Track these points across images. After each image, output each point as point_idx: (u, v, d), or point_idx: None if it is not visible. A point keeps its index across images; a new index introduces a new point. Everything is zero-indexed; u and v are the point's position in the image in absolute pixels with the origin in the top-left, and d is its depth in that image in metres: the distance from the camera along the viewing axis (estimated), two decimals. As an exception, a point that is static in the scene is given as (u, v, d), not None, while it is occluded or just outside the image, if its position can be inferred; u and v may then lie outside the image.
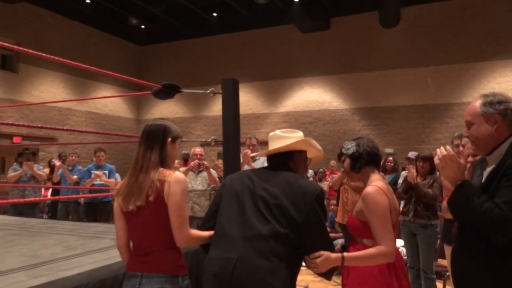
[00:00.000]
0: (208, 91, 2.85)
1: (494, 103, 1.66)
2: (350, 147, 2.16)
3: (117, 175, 6.22)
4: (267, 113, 14.00)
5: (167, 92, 2.77)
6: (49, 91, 12.46)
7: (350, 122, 12.85)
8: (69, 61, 2.67)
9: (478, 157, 1.93)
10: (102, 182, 5.62)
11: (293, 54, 13.58)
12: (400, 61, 12.23)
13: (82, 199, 5.97)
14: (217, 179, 4.68)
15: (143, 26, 14.86)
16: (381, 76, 12.47)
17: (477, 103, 1.70)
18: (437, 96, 11.79)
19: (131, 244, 1.89)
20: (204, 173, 4.65)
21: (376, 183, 2.04)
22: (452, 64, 11.68)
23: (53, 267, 2.19)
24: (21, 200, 4.15)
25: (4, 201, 3.75)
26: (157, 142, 1.84)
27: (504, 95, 1.69)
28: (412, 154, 6.42)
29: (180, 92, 2.85)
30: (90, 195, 5.53)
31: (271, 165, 1.97)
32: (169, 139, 1.87)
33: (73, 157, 6.37)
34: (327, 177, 8.16)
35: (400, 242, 4.52)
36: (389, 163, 5.61)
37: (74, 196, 5.82)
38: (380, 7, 12.17)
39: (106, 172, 5.77)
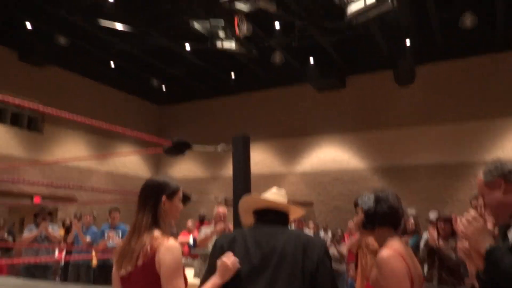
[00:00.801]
0: (218, 149, 2.83)
1: (493, 170, 1.70)
2: (367, 201, 1.93)
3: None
4: (285, 173, 13.86)
5: (178, 149, 2.76)
6: (70, 151, 12.75)
7: (369, 182, 12.57)
8: (84, 120, 2.69)
9: None
10: (115, 245, 5.52)
11: (309, 113, 13.71)
12: (418, 118, 12.17)
13: (93, 262, 5.84)
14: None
15: (163, 87, 15.40)
16: (399, 134, 12.37)
17: (480, 175, 1.75)
18: (459, 154, 11.53)
19: None
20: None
21: (393, 245, 1.81)
22: (472, 121, 11.54)
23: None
24: (22, 260, 4.07)
25: (9, 260, 3.68)
26: (149, 201, 1.75)
27: (501, 160, 1.73)
28: (432, 214, 6.18)
29: (190, 149, 2.83)
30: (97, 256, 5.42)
31: (272, 221, 1.86)
32: (164, 197, 1.77)
33: (88, 218, 6.33)
34: (345, 239, 7.83)
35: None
36: (410, 225, 5.38)
37: (73, 257, 5.70)
38: (395, 66, 12.36)
39: (120, 232, 5.69)
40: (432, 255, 3.80)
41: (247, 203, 1.97)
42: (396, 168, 12.26)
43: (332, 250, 6.90)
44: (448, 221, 3.81)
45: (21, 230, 8.14)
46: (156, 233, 1.70)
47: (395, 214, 1.91)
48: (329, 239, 8.25)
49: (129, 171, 14.75)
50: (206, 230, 4.35)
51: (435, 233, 3.85)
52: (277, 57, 12.44)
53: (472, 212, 1.63)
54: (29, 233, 5.65)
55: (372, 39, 11.29)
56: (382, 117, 12.63)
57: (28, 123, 12.33)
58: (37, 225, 5.72)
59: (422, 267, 3.98)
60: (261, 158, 13.59)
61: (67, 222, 6.39)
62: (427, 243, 3.91)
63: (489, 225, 1.82)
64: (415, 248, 4.68)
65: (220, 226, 4.18)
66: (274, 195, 1.94)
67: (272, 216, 1.88)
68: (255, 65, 13.27)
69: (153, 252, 1.64)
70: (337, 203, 12.34)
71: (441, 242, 3.83)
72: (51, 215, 7.33)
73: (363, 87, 13.12)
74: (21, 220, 10.99)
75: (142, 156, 15.38)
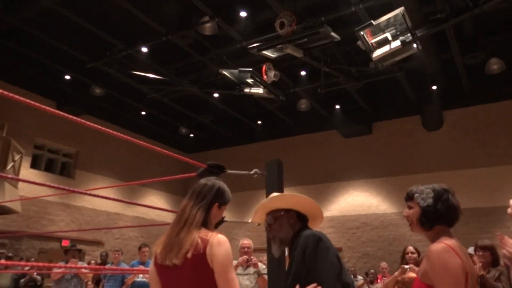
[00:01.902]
0: (252, 172, 2.86)
1: None
2: (425, 197, 1.79)
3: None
4: (313, 218, 13.63)
5: (212, 172, 2.80)
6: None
7: (400, 227, 12.22)
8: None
9: None
10: (144, 280, 5.47)
11: (336, 158, 13.67)
12: (448, 163, 11.95)
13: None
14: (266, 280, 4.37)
15: (192, 135, 15.74)
16: (428, 178, 11.95)
17: None
18: (492, 198, 11.18)
19: None
20: (252, 269, 4.40)
21: (446, 240, 1.70)
22: (503, 165, 11.26)
23: None
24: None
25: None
26: (206, 202, 1.79)
27: None
28: (470, 248, 5.90)
29: (224, 172, 2.87)
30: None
31: None
32: (217, 204, 1.82)
33: (117, 255, 6.33)
34: (378, 280, 7.53)
35: None
36: (407, 254, 5.10)
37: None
38: (422, 112, 12.35)
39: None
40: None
41: (308, 204, 2.10)
42: (427, 214, 11.90)
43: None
44: (488, 248, 3.64)
45: (48, 275, 8.20)
46: (205, 230, 1.72)
47: (455, 212, 1.82)
48: (363, 278, 8.00)
49: (156, 217, 14.80)
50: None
51: (477, 261, 3.66)
52: (303, 104, 12.64)
53: None
54: (58, 269, 5.67)
55: (398, 85, 11.41)
56: (411, 162, 12.45)
57: (61, 169, 12.72)
58: (67, 262, 5.75)
59: None
60: (288, 205, 13.42)
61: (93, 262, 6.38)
62: None
63: None
64: None
65: (244, 258, 4.22)
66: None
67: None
68: (282, 112, 13.50)
69: (205, 246, 1.65)
70: (367, 249, 11.97)
71: (481, 271, 3.63)
72: (80, 253, 7.35)
73: (390, 132, 13.09)
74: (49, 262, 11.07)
75: (170, 202, 15.45)
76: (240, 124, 14.62)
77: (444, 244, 1.67)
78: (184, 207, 1.79)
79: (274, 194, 2.12)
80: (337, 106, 12.77)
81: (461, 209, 1.82)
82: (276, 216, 2.06)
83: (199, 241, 1.66)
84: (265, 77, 9.23)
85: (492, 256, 3.65)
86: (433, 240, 1.77)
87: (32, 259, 9.36)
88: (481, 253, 3.70)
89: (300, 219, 2.06)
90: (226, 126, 14.88)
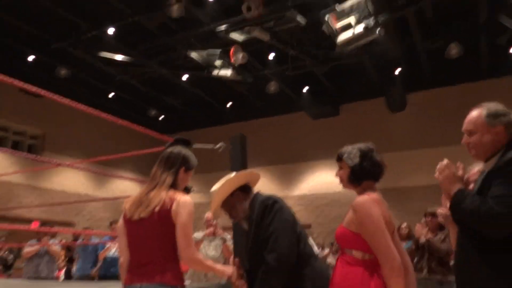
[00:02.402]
0: (217, 146, 3.07)
1: (499, 115, 1.78)
2: (353, 157, 2.01)
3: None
4: (283, 196, 13.90)
5: (180, 145, 2.98)
6: (69, 177, 12.90)
7: (364, 205, 12.77)
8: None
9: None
10: (116, 255, 5.62)
11: (305, 139, 14.02)
12: (410, 143, 12.51)
13: (96, 275, 5.92)
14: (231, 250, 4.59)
15: (161, 117, 15.73)
16: (393, 157, 12.58)
17: (482, 113, 1.82)
18: (451, 176, 11.83)
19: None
20: (218, 241, 4.65)
21: (370, 194, 1.94)
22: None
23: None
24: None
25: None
26: (173, 167, 2.03)
27: (504, 107, 1.81)
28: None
29: (191, 146, 3.06)
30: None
31: None
32: (183, 168, 2.04)
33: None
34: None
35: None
36: (404, 230, 5.55)
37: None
38: (386, 94, 12.81)
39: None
40: (420, 248, 3.99)
41: (241, 178, 2.36)
42: (391, 190, 12.40)
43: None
44: (435, 215, 4.01)
45: (19, 253, 8.22)
46: (173, 191, 1.96)
47: (379, 168, 2.04)
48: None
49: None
50: (197, 234, 4.58)
51: (422, 228, 4.03)
52: (272, 86, 12.86)
53: (445, 161, 1.82)
54: (29, 247, 5.76)
55: (363, 68, 11.79)
56: (376, 142, 12.46)
57: (28, 152, 12.52)
58: (38, 240, 5.84)
59: (412, 260, 4.15)
60: (259, 184, 13.68)
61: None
62: (414, 238, 4.10)
63: (460, 172, 1.90)
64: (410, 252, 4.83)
65: (210, 229, 4.46)
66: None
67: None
68: (251, 94, 13.69)
69: (171, 204, 1.89)
70: (336, 225, 12.41)
71: (430, 235, 4.01)
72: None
73: (356, 114, 13.53)
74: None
75: (140, 184, 15.47)
76: (209, 106, 14.72)
77: (368, 197, 1.92)
78: (155, 172, 2.04)
79: (213, 189, 2.32)
80: (305, 89, 13.06)
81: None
82: (228, 207, 2.31)
83: (167, 199, 1.89)
84: (233, 59, 9.38)
85: (439, 221, 4.01)
86: (360, 194, 2.01)
87: (3, 239, 9.31)
88: (429, 218, 4.07)
89: (246, 191, 2.32)
90: (196, 108, 14.95)
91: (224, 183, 2.32)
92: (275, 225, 2.05)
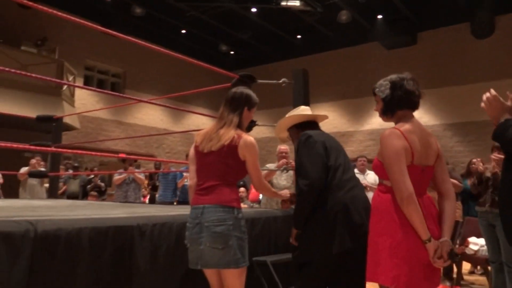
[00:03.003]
0: (280, 81, 3.13)
1: None
2: (383, 89, 2.01)
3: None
4: (352, 131, 13.93)
5: (243, 81, 3.11)
6: (149, 113, 13.79)
7: (441, 139, 12.24)
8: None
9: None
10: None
11: (378, 72, 13.34)
12: (496, 72, 11.48)
13: (175, 201, 6.52)
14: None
15: (232, 52, 15.86)
16: (475, 89, 11.78)
17: None
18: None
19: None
20: (290, 172, 4.81)
21: (400, 125, 1.95)
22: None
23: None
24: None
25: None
26: (238, 107, 2.24)
27: None
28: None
29: (255, 81, 3.17)
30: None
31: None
32: (246, 107, 2.26)
33: (167, 164, 7.00)
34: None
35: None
36: (473, 165, 5.33)
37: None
38: (472, 18, 11.68)
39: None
40: (484, 182, 3.88)
41: (302, 116, 2.56)
42: (471, 124, 11.79)
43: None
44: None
45: (110, 184, 9.22)
46: (239, 130, 2.21)
47: (411, 97, 1.99)
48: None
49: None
50: (270, 165, 4.73)
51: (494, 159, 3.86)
52: (344, 16, 12.28)
53: (493, 92, 1.76)
54: (118, 175, 6.44)
55: (446, -10, 10.77)
56: (457, 72, 12.09)
57: (111, 89, 13.48)
58: (125, 169, 6.49)
59: (475, 194, 4.08)
60: (330, 118, 13.61)
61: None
62: (474, 173, 3.98)
63: (510, 103, 1.80)
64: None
65: (282, 161, 4.56)
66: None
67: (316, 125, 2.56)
68: (322, 25, 13.21)
69: (239, 141, 2.14)
70: (406, 161, 12.22)
71: (496, 169, 3.85)
72: (135, 162, 8.17)
73: (436, 42, 12.58)
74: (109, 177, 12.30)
75: (212, 118, 16.10)
76: (279, 40, 14.51)
77: (393, 129, 1.94)
78: (222, 112, 2.26)
79: (281, 121, 2.61)
80: (379, 16, 12.30)
81: (420, 93, 2.00)
82: (290, 134, 2.63)
83: (235, 137, 2.15)
84: (302, -12, 9.05)
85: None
86: (396, 124, 2.03)
87: (95, 168, 10.42)
88: (496, 152, 3.88)
89: (301, 127, 2.52)
90: (266, 42, 14.82)
91: (286, 118, 2.59)
92: (305, 157, 2.26)
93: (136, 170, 6.59)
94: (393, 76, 2.06)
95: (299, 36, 14.45)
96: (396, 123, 2.03)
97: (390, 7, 11.62)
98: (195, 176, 2.26)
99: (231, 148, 2.13)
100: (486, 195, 3.90)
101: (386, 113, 2.06)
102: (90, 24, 2.67)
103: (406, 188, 1.82)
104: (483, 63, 11.73)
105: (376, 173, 2.07)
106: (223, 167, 2.15)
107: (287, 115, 2.60)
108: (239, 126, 2.22)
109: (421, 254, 1.84)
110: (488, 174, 3.88)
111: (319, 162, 2.23)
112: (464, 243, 4.78)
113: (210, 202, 2.10)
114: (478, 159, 5.25)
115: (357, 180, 2.37)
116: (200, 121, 15.34)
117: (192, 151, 2.29)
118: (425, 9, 12.08)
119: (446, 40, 12.42)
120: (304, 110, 2.61)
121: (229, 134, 2.15)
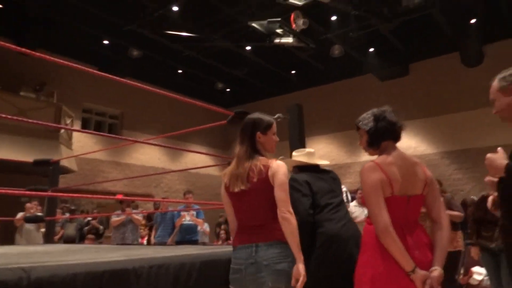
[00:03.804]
0: (275, 116, 3.15)
1: (507, 76, 1.85)
2: (367, 122, 2.08)
3: (206, 224, 6.67)
4: (350, 163, 13.91)
5: (239, 117, 3.13)
6: (146, 153, 13.81)
7: (439, 167, 12.25)
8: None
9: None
10: (191, 222, 6.05)
11: (372, 103, 13.40)
12: (488, 99, 11.61)
13: (172, 242, 6.42)
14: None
15: (228, 89, 16.09)
16: (469, 116, 11.92)
17: (495, 82, 1.90)
18: (537, 132, 10.90)
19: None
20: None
21: (380, 158, 2.00)
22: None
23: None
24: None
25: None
26: (246, 136, 2.14)
27: None
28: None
29: (249, 117, 3.20)
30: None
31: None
32: (258, 132, 2.14)
33: (166, 203, 6.96)
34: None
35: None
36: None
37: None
38: (461, 48, 11.95)
39: (194, 212, 6.22)
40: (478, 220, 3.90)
41: (293, 162, 2.76)
42: (467, 151, 11.82)
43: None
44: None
45: (108, 223, 9.13)
46: (263, 158, 2.10)
47: (394, 127, 2.06)
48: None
49: (200, 170, 15.55)
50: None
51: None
52: (336, 50, 12.55)
53: (488, 155, 1.85)
54: (116, 217, 6.38)
55: (434, 22, 11.03)
56: (450, 101, 12.24)
57: (109, 131, 13.56)
58: (123, 210, 6.44)
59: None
60: (326, 151, 13.75)
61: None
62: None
63: (501, 155, 1.89)
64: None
65: None
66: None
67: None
68: (315, 60, 13.47)
69: (267, 171, 2.03)
70: (406, 191, 12.16)
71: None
72: (133, 203, 8.12)
73: (427, 72, 12.82)
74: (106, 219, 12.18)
75: (212, 157, 16.13)
76: (274, 75, 14.75)
77: (370, 163, 1.98)
78: (238, 147, 2.16)
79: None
80: (371, 49, 12.58)
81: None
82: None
83: (262, 168, 2.04)
84: (294, 25, 9.27)
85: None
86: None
87: (95, 211, 10.33)
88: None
89: (303, 169, 2.73)
90: (261, 78, 15.06)
91: (287, 160, 2.71)
92: (293, 197, 2.29)
93: (134, 211, 6.53)
94: (374, 110, 2.13)
95: (293, 72, 14.71)
96: (379, 155, 2.05)
97: (381, 39, 11.89)
98: (233, 217, 2.16)
99: (262, 181, 2.02)
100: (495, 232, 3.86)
101: (372, 145, 2.10)
102: (87, 69, 2.73)
103: (382, 220, 1.84)
104: (475, 90, 11.87)
105: (364, 206, 2.13)
106: (263, 203, 2.04)
107: (293, 156, 2.80)
108: (259, 153, 2.11)
109: (404, 286, 1.80)
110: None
111: (304, 202, 2.42)
112: (468, 273, 4.69)
113: (265, 239, 1.98)
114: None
115: (347, 216, 2.56)
116: (198, 159, 15.35)
117: (223, 193, 2.18)
118: (415, 40, 12.37)
119: (437, 70, 12.66)
120: (303, 153, 2.76)
121: (248, 166, 2.04)
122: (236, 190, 2.05)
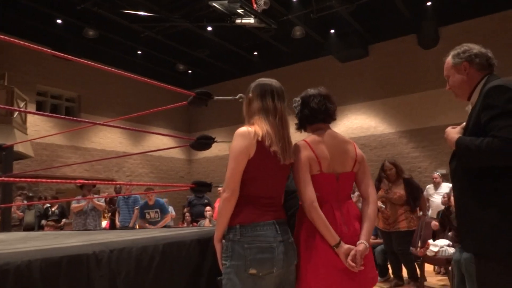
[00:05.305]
0: (237, 97, 3.14)
1: (460, 53, 1.90)
2: (296, 105, 2.13)
3: (170, 208, 6.61)
4: (313, 143, 14.12)
5: (200, 99, 3.09)
6: (107, 137, 13.45)
7: (397, 146, 12.68)
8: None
9: None
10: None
11: (334, 84, 13.79)
12: (444, 80, 11.98)
13: (136, 225, 6.36)
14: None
15: (190, 71, 15.82)
16: (425, 96, 12.32)
17: (449, 58, 1.95)
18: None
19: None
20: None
21: (308, 137, 2.04)
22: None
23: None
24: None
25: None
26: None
27: (469, 45, 1.92)
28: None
29: (212, 98, 3.16)
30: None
31: None
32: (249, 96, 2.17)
33: (128, 187, 6.85)
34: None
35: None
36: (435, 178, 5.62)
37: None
38: (418, 30, 12.26)
39: (158, 210, 6.16)
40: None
41: None
42: (424, 130, 12.27)
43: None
44: None
45: (68, 209, 8.89)
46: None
47: (316, 114, 2.08)
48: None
49: (163, 153, 15.35)
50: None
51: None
52: (298, 31, 12.56)
53: (448, 129, 1.89)
54: (77, 203, 6.21)
55: (393, 4, 11.24)
56: (407, 82, 12.60)
57: (66, 114, 13.07)
58: (84, 196, 6.26)
59: None
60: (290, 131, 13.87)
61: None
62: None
63: (457, 129, 1.92)
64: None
65: None
66: None
67: None
68: (277, 41, 13.45)
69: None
70: (366, 169, 12.56)
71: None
72: (94, 187, 7.92)
73: (386, 53, 13.10)
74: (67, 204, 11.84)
75: (174, 139, 15.94)
76: (237, 57, 14.63)
77: (301, 141, 2.03)
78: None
79: None
80: (332, 31, 12.69)
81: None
82: None
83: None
84: (255, 6, 9.18)
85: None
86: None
87: (53, 196, 10.04)
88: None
89: None
90: (223, 60, 14.90)
91: None
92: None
93: (95, 196, 6.38)
94: (303, 93, 2.18)
95: (255, 53, 14.63)
96: (312, 134, 2.10)
97: (341, 21, 12.01)
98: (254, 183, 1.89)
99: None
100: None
101: (300, 128, 2.19)
102: (39, 47, 2.58)
103: (308, 196, 1.89)
104: (431, 71, 12.27)
105: None
106: (285, 180, 2.02)
107: None
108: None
109: (333, 259, 1.86)
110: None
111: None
112: (425, 245, 4.93)
113: (280, 216, 1.94)
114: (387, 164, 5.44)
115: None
116: (160, 142, 15.12)
117: (252, 150, 1.88)
118: (374, 23, 12.57)
119: (395, 51, 12.96)
120: None
121: (291, 143, 1.99)
122: (283, 162, 1.91)
